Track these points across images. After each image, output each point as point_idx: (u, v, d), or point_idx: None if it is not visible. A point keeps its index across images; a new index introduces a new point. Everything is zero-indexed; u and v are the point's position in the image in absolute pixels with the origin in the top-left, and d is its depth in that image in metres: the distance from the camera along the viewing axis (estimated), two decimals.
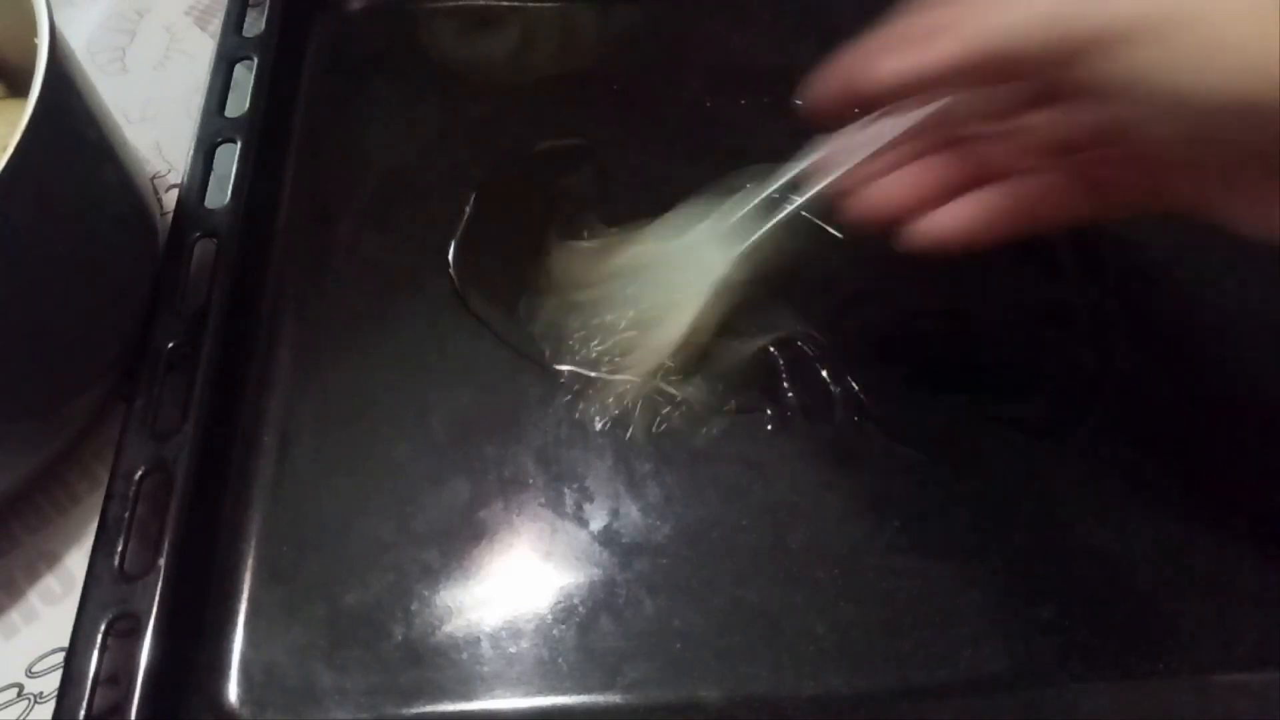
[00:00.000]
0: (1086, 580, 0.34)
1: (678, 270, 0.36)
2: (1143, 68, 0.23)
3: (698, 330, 0.36)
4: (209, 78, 0.42)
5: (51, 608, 0.34)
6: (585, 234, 0.40)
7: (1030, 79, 0.27)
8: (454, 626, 0.32)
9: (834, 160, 0.31)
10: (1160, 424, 0.37)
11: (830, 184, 0.32)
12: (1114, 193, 0.29)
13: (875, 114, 0.30)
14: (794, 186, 0.33)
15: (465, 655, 0.32)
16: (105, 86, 0.36)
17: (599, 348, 0.37)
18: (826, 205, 0.33)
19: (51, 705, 0.29)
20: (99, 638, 0.29)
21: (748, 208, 0.35)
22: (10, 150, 0.28)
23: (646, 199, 0.39)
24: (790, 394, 0.37)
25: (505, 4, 0.48)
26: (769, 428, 0.36)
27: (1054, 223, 0.30)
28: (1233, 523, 0.35)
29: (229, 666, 0.31)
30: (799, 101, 0.30)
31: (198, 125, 0.40)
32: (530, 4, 0.48)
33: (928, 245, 0.30)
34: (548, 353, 0.37)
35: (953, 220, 0.30)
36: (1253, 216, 0.26)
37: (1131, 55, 0.23)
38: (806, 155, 0.33)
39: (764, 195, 0.34)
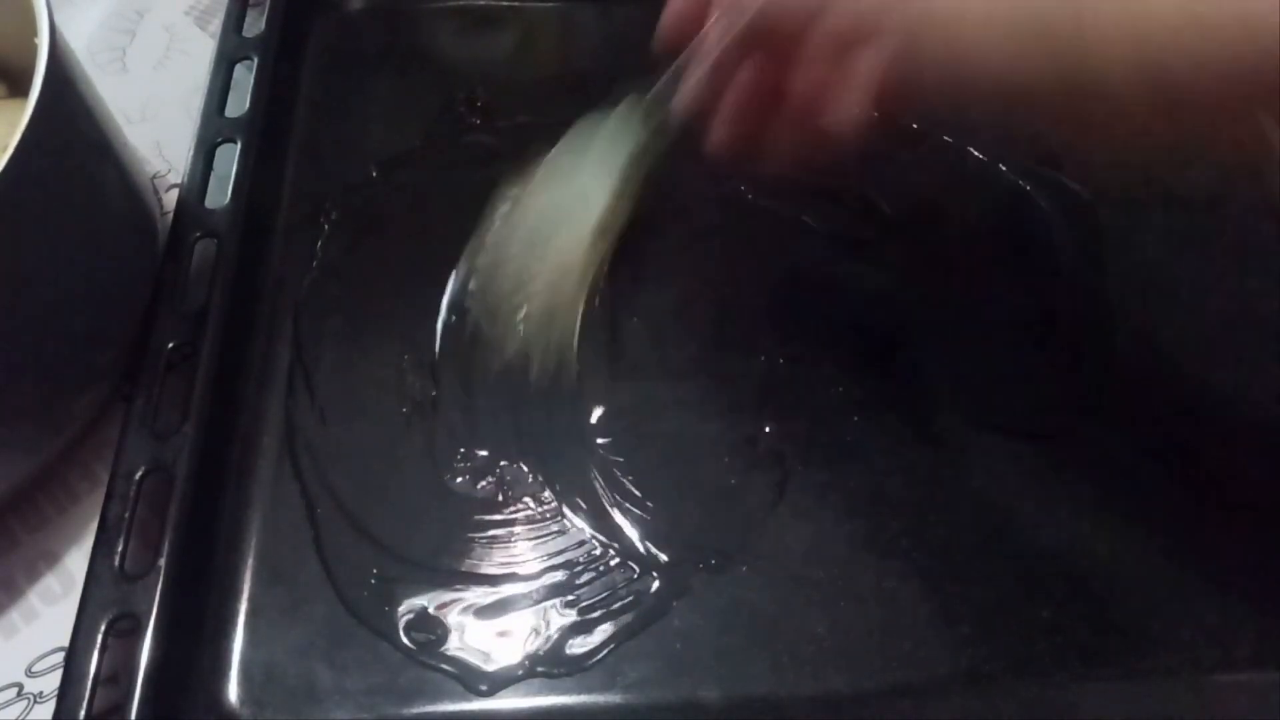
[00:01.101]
0: (1086, 580, 0.34)
1: (566, 205, 0.36)
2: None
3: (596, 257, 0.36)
4: (209, 78, 0.41)
5: (51, 608, 0.34)
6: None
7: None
8: (454, 626, 0.32)
9: (684, 66, 0.34)
10: (1160, 424, 0.37)
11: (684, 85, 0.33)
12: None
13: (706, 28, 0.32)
14: (661, 97, 0.34)
15: (465, 655, 0.32)
16: (105, 86, 0.36)
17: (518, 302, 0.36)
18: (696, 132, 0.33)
19: (51, 705, 0.29)
20: (99, 638, 0.29)
21: (620, 124, 0.36)
22: (10, 150, 0.28)
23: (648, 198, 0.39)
24: (789, 395, 0.37)
25: (505, 4, 0.48)
26: (767, 429, 0.36)
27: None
28: (1232, 523, 0.35)
29: (229, 666, 0.31)
30: (654, 46, 0.33)
31: (198, 125, 0.40)
32: (530, 4, 0.48)
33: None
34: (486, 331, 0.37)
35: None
36: None
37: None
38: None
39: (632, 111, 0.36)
